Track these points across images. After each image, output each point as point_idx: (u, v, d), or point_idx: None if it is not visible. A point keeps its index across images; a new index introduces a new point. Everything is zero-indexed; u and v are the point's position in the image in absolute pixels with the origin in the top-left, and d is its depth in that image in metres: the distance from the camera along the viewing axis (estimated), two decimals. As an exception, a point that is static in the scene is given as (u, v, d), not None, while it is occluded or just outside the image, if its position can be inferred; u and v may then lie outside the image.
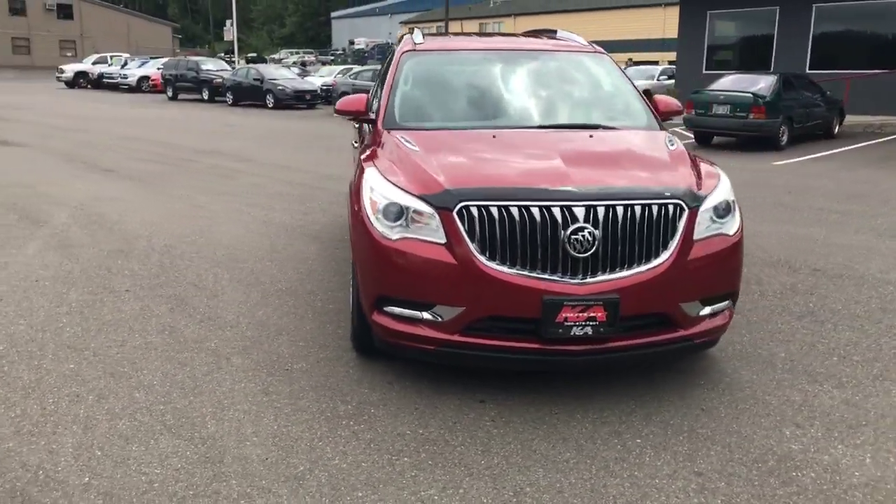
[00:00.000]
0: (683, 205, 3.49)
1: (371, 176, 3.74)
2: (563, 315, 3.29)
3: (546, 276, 3.32)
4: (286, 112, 24.86)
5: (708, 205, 3.61)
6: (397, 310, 3.53)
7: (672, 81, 23.20)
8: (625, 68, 27.84)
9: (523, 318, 3.36)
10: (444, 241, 3.38)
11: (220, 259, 6.06)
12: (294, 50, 74.77)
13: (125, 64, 39.89)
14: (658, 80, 25.13)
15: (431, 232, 3.41)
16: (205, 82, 30.13)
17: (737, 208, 3.80)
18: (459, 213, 3.37)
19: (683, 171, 3.75)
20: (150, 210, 8.02)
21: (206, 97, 29.91)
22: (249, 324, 4.59)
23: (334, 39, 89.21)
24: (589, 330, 3.33)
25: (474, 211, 3.36)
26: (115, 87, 37.51)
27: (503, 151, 3.87)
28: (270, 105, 26.37)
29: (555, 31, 5.64)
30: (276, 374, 3.87)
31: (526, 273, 3.33)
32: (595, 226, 3.33)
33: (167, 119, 21.23)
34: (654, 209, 3.43)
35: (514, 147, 3.93)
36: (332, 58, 59.89)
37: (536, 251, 3.33)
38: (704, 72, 20.81)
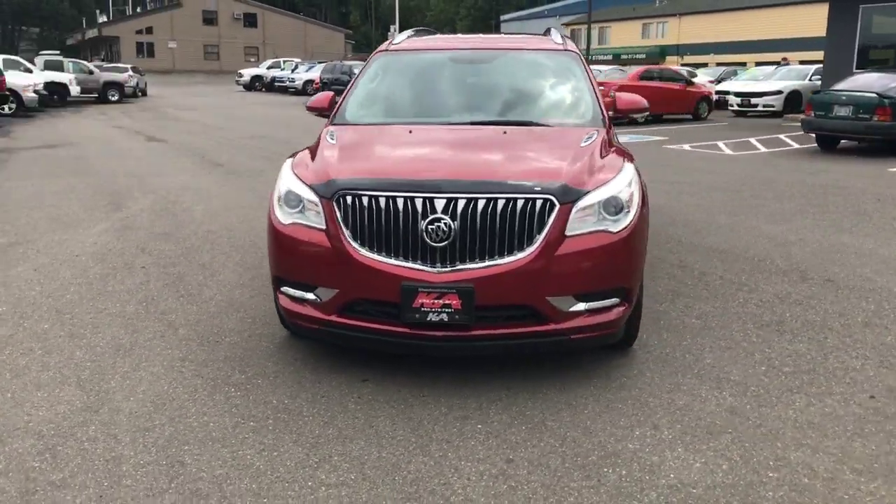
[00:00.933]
0: (554, 200, 3.53)
1: (284, 167, 4.07)
2: (420, 301, 3.45)
3: (405, 264, 3.49)
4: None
5: (589, 201, 3.60)
6: (290, 290, 3.83)
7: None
8: (777, 68, 26.36)
9: (387, 303, 3.55)
10: (324, 227, 3.64)
11: (244, 245, 6.60)
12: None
13: (295, 68, 42.59)
14: (810, 79, 23.53)
15: (316, 219, 3.68)
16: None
17: (634, 206, 3.75)
18: (337, 201, 3.62)
19: (575, 167, 3.76)
20: (222, 201, 8.79)
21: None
22: (220, 301, 5.04)
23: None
24: (444, 317, 3.46)
25: (349, 200, 3.59)
26: (284, 90, 40.22)
27: (406, 146, 4.07)
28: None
29: (549, 30, 5.70)
30: (205, 344, 4.28)
31: (389, 259, 3.51)
32: (453, 217, 3.46)
33: (310, 121, 22.55)
34: (520, 204, 3.49)
35: (420, 142, 4.12)
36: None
37: (399, 239, 3.51)
38: (855, 71, 19.29)
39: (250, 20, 66.29)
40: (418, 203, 3.49)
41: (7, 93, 21.87)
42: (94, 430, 3.28)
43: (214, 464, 3.01)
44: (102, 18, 68.64)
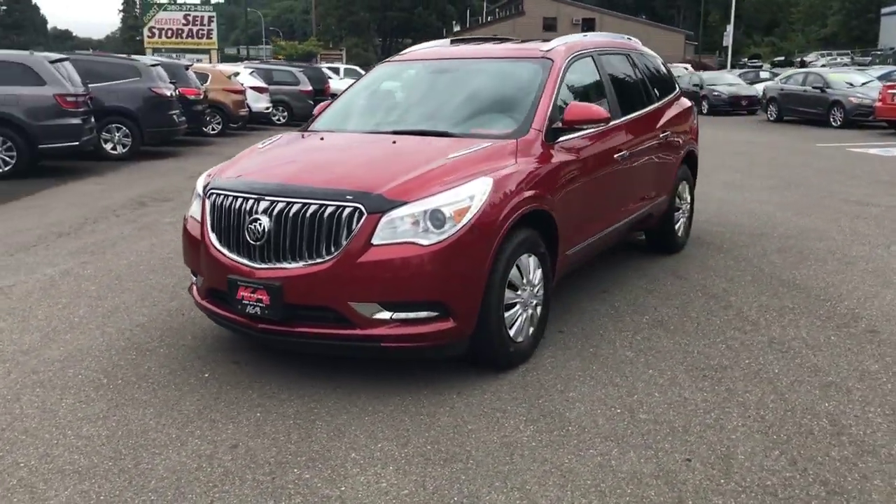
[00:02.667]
0: (362, 209, 3.62)
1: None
2: (241, 293, 3.80)
3: (236, 258, 3.86)
4: (718, 119, 24.29)
5: (402, 212, 3.61)
6: (192, 276, 4.42)
7: None
8: None
9: (223, 292, 3.96)
10: (199, 220, 4.16)
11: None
12: (826, 52, 69.36)
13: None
14: None
15: (198, 213, 4.22)
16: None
17: (464, 221, 3.66)
18: (208, 197, 4.11)
19: (406, 178, 3.77)
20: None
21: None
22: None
23: (882, 38, 79.89)
24: (258, 310, 3.77)
25: (212, 198, 4.07)
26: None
27: (298, 152, 4.42)
28: (704, 111, 25.95)
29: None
30: (155, 318, 5.01)
31: (227, 253, 3.92)
32: (269, 218, 3.74)
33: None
34: (329, 210, 3.65)
35: (310, 149, 4.44)
36: (870, 59, 53.90)
37: (231, 235, 3.90)
38: None
39: (589, 25, 67.35)
40: (247, 204, 3.84)
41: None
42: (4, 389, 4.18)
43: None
44: (457, 28, 74.89)
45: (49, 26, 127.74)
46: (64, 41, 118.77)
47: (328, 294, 3.65)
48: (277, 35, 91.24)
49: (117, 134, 13.36)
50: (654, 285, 5.58)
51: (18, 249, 6.84)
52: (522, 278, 4.06)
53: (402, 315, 3.65)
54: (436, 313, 3.67)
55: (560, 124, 4.47)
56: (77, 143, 11.18)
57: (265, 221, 3.74)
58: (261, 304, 3.74)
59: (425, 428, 3.45)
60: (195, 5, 37.22)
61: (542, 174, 4.22)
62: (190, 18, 36.38)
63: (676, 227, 6.43)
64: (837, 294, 5.34)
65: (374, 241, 3.59)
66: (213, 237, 4.00)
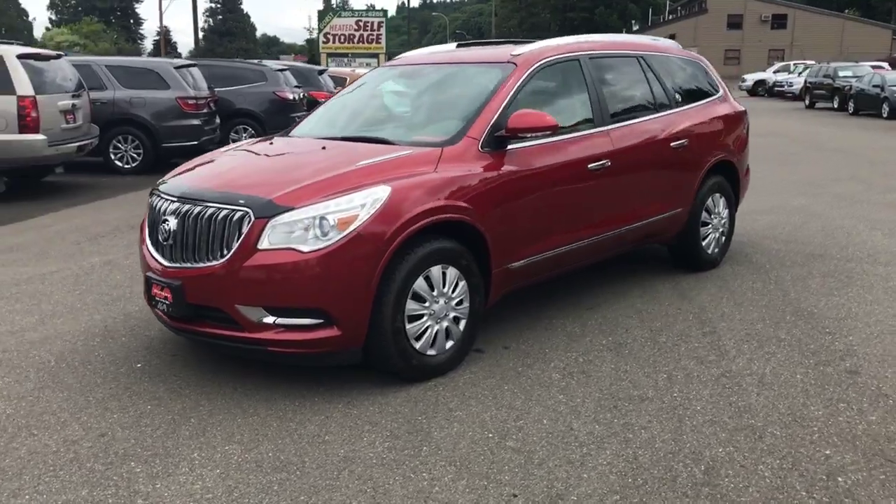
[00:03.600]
0: (251, 214, 3.69)
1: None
2: (154, 290, 4.01)
3: (153, 256, 4.07)
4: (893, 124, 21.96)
5: (289, 217, 3.65)
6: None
7: None
8: None
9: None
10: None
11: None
12: None
13: (802, 71, 39.52)
14: None
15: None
16: (837, 90, 28.37)
17: (349, 229, 3.63)
18: (150, 196, 4.37)
19: (301, 185, 3.79)
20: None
21: (835, 106, 28.18)
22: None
23: None
24: (165, 307, 3.96)
25: (151, 197, 4.32)
26: (782, 95, 37.93)
27: (237, 156, 4.59)
28: (885, 115, 23.53)
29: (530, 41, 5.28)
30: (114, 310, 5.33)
31: (150, 250, 4.13)
32: (176, 219, 3.91)
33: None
34: (224, 214, 3.76)
35: (252, 153, 4.58)
36: None
37: (152, 234, 4.11)
38: None
39: (779, 22, 63.02)
40: (163, 205, 4.04)
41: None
42: (-15, 345, 4.65)
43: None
44: (636, 28, 72.82)
45: (258, 33, 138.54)
46: (270, 47, 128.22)
47: (218, 296, 3.75)
48: (463, 38, 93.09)
49: (244, 135, 14.32)
50: (648, 305, 5.20)
51: (90, 238, 7.54)
52: (433, 290, 3.94)
53: (286, 321, 3.67)
54: (319, 321, 3.67)
55: (504, 132, 4.28)
56: (196, 142, 12.09)
57: (172, 222, 3.91)
58: (166, 302, 3.91)
59: (285, 434, 3.46)
60: (366, 11, 38.91)
61: (467, 183, 4.07)
62: (361, 24, 38.08)
63: (704, 242, 5.93)
64: (848, 328, 4.72)
65: (260, 245, 3.65)
66: (145, 235, 4.23)
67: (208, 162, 4.61)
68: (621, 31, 75.50)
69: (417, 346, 3.92)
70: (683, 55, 6.15)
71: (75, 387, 4.01)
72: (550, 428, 3.48)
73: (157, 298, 3.97)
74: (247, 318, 3.70)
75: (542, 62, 4.75)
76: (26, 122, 9.25)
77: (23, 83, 9.26)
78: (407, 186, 3.85)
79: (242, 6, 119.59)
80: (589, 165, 4.75)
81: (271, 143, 4.79)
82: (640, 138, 5.21)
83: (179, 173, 4.43)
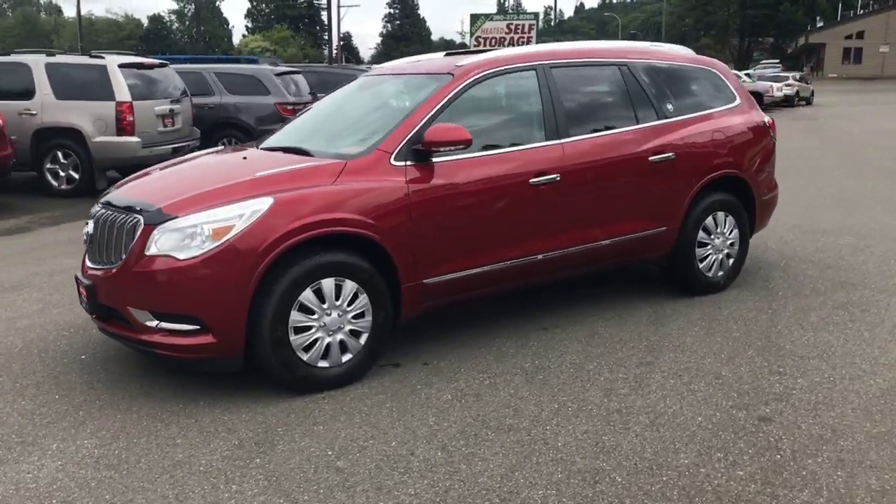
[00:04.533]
0: (141, 221, 3.90)
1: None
2: (80, 289, 4.33)
3: (84, 257, 4.39)
4: None
5: (172, 226, 3.81)
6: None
7: None
8: None
9: (89, 288, 4.49)
10: None
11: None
12: None
13: None
14: None
15: None
16: None
17: (223, 239, 3.73)
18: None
19: (191, 194, 3.94)
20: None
21: None
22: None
23: None
24: (84, 305, 4.26)
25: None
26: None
27: (176, 164, 4.80)
28: None
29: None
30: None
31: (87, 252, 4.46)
32: (94, 223, 4.20)
33: None
34: (124, 220, 4.00)
35: (189, 161, 4.80)
36: None
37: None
38: None
39: None
40: (93, 209, 4.34)
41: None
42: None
43: None
44: (820, 24, 67.61)
45: (436, 37, 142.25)
46: (442, 50, 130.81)
47: (115, 297, 3.99)
48: (635, 38, 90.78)
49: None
50: (610, 328, 4.91)
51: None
52: (323, 302, 3.96)
53: (167, 325, 3.84)
54: (196, 327, 3.80)
55: (420, 146, 4.23)
56: (293, 145, 12.68)
57: (90, 226, 4.19)
58: (85, 301, 4.20)
59: (145, 434, 3.62)
60: (518, 15, 38.85)
61: (368, 196, 4.06)
62: (512, 27, 38.14)
63: (702, 265, 5.50)
64: (808, 368, 4.24)
65: (147, 251, 3.83)
66: (90, 238, 4.56)
67: (159, 170, 4.88)
68: (805, 28, 70.40)
69: (305, 357, 3.95)
70: (692, 62, 5.73)
71: (16, 371, 4.38)
72: (393, 451, 3.41)
73: (81, 296, 4.27)
74: (137, 321, 3.91)
75: (482, 73, 4.62)
76: (123, 126, 10.14)
77: (122, 90, 10.15)
78: (292, 199, 3.89)
79: (419, 11, 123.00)
80: (531, 180, 4.56)
81: (218, 154, 4.99)
82: (605, 152, 4.92)
83: (129, 181, 4.73)
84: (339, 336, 4.05)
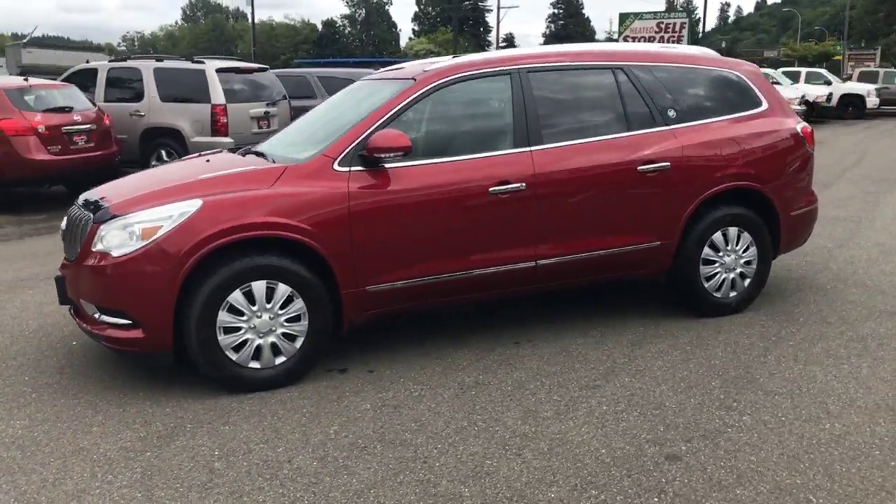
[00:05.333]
0: (91, 218, 4.16)
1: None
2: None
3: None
4: None
5: (112, 224, 4.00)
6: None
7: None
8: None
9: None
10: None
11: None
12: None
13: None
14: None
15: None
16: None
17: (150, 239, 3.89)
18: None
19: (137, 194, 4.15)
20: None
21: None
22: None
23: None
24: (59, 299, 4.58)
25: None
26: None
27: (166, 166, 5.04)
28: None
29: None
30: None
31: (69, 252, 4.79)
32: (66, 221, 4.51)
33: None
34: (83, 217, 4.27)
35: (174, 164, 5.00)
36: None
37: (68, 237, 4.75)
38: None
39: None
40: (70, 208, 4.66)
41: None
42: None
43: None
44: None
45: (599, 37, 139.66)
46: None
47: (73, 290, 4.27)
48: (819, 36, 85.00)
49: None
50: (581, 348, 4.65)
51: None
52: (254, 304, 4.04)
53: (106, 318, 4.06)
54: (128, 321, 3.99)
55: (365, 152, 4.21)
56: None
57: (63, 223, 4.50)
58: (59, 295, 4.52)
59: (77, 419, 3.81)
60: (668, 13, 37.42)
61: (305, 201, 4.09)
62: (662, 26, 36.77)
63: (708, 283, 5.09)
64: (763, 405, 3.82)
65: (94, 248, 4.06)
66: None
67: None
68: None
69: (235, 357, 4.05)
70: (711, 65, 5.29)
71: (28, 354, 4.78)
72: (273, 457, 3.42)
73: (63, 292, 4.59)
74: (87, 313, 4.16)
75: (445, 79, 4.52)
76: (218, 127, 10.77)
77: (217, 93, 10.80)
78: (220, 202, 3.99)
79: (584, 11, 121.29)
80: (491, 189, 4.41)
81: (200, 156, 5.18)
82: (582, 160, 4.66)
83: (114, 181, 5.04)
84: (271, 339, 4.10)
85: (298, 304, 4.12)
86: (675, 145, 4.87)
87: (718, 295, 5.14)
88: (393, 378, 4.26)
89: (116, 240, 3.97)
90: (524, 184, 4.47)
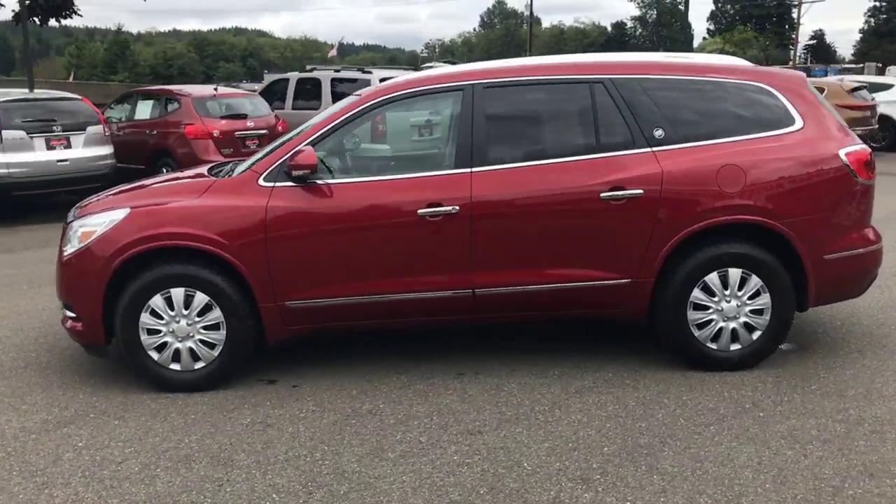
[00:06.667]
0: (72, 216, 4.66)
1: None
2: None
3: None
4: None
5: (74, 225, 4.43)
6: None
7: None
8: None
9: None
10: None
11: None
12: None
13: None
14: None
15: None
16: None
17: (90, 238, 4.26)
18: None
19: (106, 200, 4.57)
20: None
21: None
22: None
23: None
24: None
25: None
26: None
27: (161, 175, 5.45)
28: None
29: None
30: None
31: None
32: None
33: None
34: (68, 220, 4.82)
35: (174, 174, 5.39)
36: None
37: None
38: None
39: None
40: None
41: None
42: None
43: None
44: None
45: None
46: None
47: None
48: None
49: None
50: (522, 387, 4.27)
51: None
52: (172, 309, 4.28)
53: (66, 311, 4.55)
54: (74, 315, 4.44)
55: (287, 169, 4.27)
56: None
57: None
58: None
59: (12, 398, 4.36)
60: None
61: (224, 214, 4.22)
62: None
63: (701, 332, 4.38)
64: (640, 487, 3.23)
65: (63, 246, 4.57)
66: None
67: None
68: None
69: (156, 357, 4.32)
70: (734, 76, 4.49)
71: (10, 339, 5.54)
72: (112, 457, 3.58)
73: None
74: (62, 305, 4.69)
75: (386, 96, 4.39)
76: (376, 134, 11.31)
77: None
78: (148, 211, 4.28)
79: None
80: (419, 210, 4.22)
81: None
82: (531, 184, 4.26)
83: None
84: (189, 343, 4.30)
85: (216, 314, 4.27)
86: (653, 170, 4.25)
87: (714, 346, 4.40)
88: (304, 396, 4.25)
89: (70, 241, 4.42)
90: (458, 207, 4.20)
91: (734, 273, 4.31)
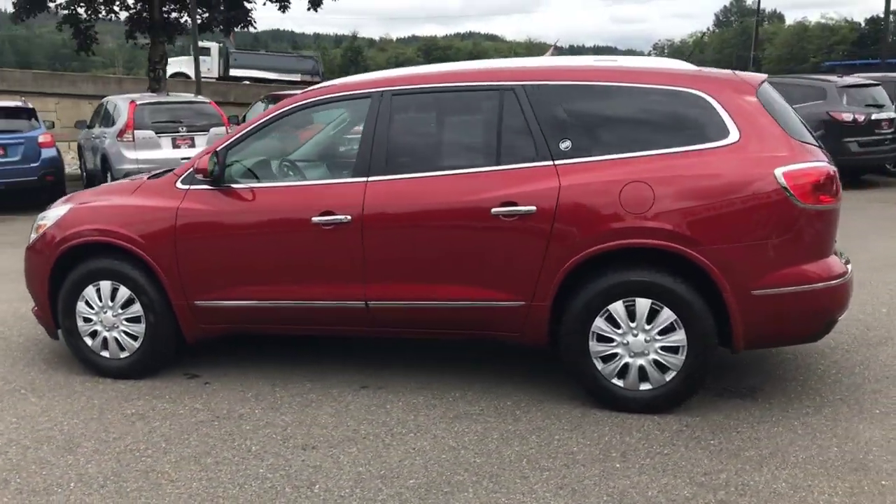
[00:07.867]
0: (45, 212, 5.19)
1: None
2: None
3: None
4: None
5: (39, 217, 5.00)
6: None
7: None
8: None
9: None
10: None
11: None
12: None
13: None
14: None
15: None
16: None
17: (35, 237, 4.74)
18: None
19: (69, 198, 5.01)
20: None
21: None
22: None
23: None
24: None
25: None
26: None
27: None
28: None
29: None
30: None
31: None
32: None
33: None
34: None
35: None
36: None
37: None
38: None
39: None
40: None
41: None
42: None
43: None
44: None
45: None
46: None
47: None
48: None
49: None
50: (419, 408, 4.13)
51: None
52: (100, 301, 4.60)
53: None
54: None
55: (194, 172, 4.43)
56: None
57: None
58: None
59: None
60: None
61: (141, 214, 4.46)
62: None
63: (605, 366, 3.96)
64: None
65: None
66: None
67: None
68: None
69: (90, 343, 4.67)
70: (666, 82, 3.96)
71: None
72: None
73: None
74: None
75: (298, 103, 4.38)
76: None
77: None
78: (84, 209, 4.64)
79: None
80: (313, 218, 4.20)
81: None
82: (422, 196, 4.07)
83: None
84: (114, 333, 4.61)
85: (137, 307, 4.53)
86: (549, 185, 3.89)
87: (620, 384, 3.94)
88: (204, 393, 4.37)
89: (32, 232, 4.89)
90: (350, 216, 4.12)
91: (642, 304, 3.83)
